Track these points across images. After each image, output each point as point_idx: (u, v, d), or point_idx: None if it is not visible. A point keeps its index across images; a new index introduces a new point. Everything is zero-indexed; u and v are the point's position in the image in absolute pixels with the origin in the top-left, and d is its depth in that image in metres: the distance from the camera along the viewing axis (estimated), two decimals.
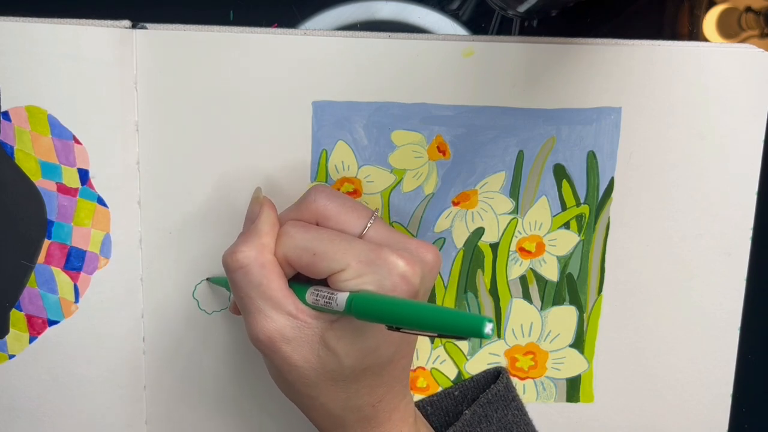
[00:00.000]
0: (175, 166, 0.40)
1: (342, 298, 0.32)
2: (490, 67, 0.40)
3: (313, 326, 0.33)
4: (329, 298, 0.33)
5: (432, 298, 0.43)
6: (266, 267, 0.33)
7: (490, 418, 0.42)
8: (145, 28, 0.39)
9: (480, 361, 0.44)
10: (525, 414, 0.43)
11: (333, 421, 0.35)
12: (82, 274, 0.40)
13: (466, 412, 0.42)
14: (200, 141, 0.40)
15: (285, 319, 0.33)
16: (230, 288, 0.35)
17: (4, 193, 0.39)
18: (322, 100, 0.40)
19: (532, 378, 0.45)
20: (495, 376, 0.44)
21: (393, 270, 0.32)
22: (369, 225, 0.34)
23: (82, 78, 0.38)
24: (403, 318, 0.29)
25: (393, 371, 0.35)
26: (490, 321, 0.27)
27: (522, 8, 0.39)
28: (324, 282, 0.34)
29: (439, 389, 0.44)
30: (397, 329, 0.30)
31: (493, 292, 0.43)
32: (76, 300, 0.40)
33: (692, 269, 0.44)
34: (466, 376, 0.44)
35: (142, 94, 0.39)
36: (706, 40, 0.42)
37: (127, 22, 0.38)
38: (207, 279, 0.41)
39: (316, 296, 0.33)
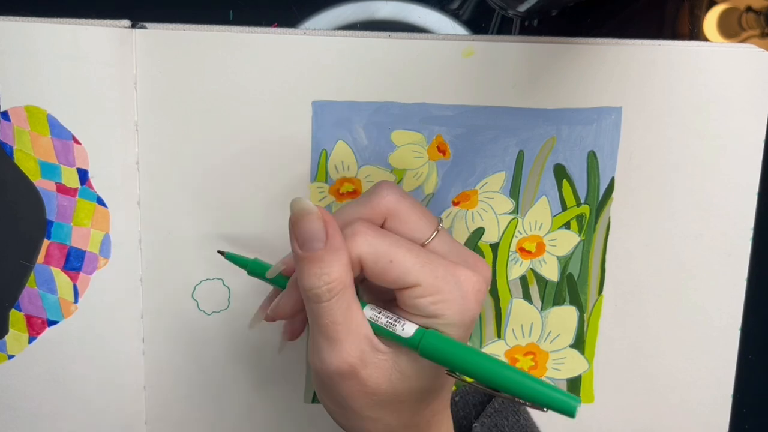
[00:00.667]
0: (175, 166, 0.40)
1: (409, 329, 0.31)
2: (490, 67, 0.40)
3: (387, 352, 0.31)
4: (394, 322, 0.31)
5: None
6: (352, 287, 0.31)
7: (502, 426, 0.42)
8: (145, 28, 0.39)
9: None
10: (531, 419, 0.43)
11: None
12: (82, 275, 0.40)
13: (476, 425, 0.41)
14: (200, 141, 0.40)
15: (365, 342, 0.31)
16: (317, 311, 0.31)
17: (3, 193, 0.39)
18: (322, 100, 0.40)
19: None
20: None
21: (468, 288, 0.31)
22: (435, 234, 0.33)
23: (81, 78, 0.38)
24: (482, 375, 0.28)
25: (450, 387, 0.35)
26: (579, 402, 0.27)
27: (522, 8, 0.39)
28: (383, 295, 0.32)
29: None
30: (461, 379, 0.29)
31: (494, 292, 0.43)
32: (76, 300, 0.40)
33: (692, 269, 0.44)
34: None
35: (142, 94, 0.39)
36: (706, 40, 0.42)
37: (127, 22, 0.38)
38: (220, 252, 0.38)
39: (377, 314, 0.31)
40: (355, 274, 0.32)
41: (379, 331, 0.32)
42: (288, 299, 0.34)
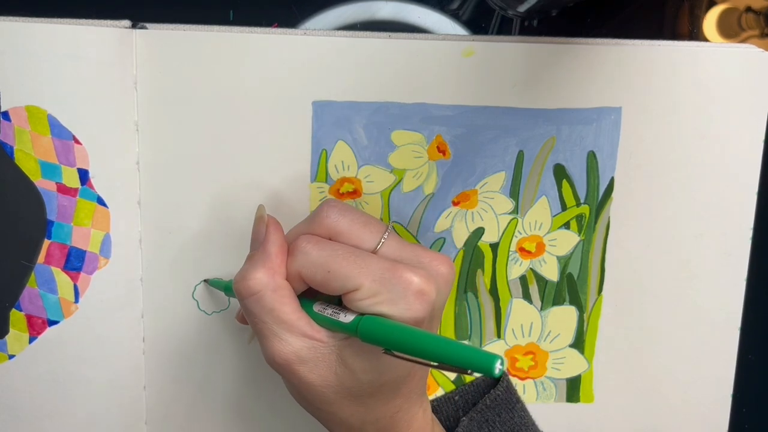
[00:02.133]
0: (175, 166, 0.40)
1: (350, 316, 0.32)
2: (490, 67, 0.40)
3: (329, 345, 0.33)
4: (339, 311, 0.33)
5: None
6: (278, 291, 0.33)
7: (492, 422, 0.42)
8: (145, 28, 0.39)
9: None
10: (530, 416, 0.43)
11: None
12: (82, 274, 0.40)
13: (464, 418, 0.42)
14: (200, 141, 0.40)
15: (300, 341, 0.33)
16: (243, 309, 0.34)
17: (4, 193, 0.39)
18: (322, 100, 0.40)
19: (532, 378, 0.45)
20: (495, 379, 0.44)
21: (408, 288, 0.31)
22: (383, 240, 0.34)
23: (82, 78, 0.38)
24: (410, 347, 0.29)
25: (410, 383, 0.35)
26: (501, 359, 0.27)
27: (522, 8, 0.39)
28: (335, 299, 0.33)
29: (439, 390, 0.44)
30: (397, 356, 0.29)
31: (493, 292, 0.43)
32: (76, 300, 0.40)
33: (692, 269, 0.44)
34: (466, 377, 0.44)
35: (142, 94, 0.39)
36: (706, 40, 0.42)
37: (127, 22, 0.38)
38: (205, 281, 0.41)
39: (324, 308, 0.33)
40: (301, 289, 0.34)
41: (325, 322, 0.33)
42: None
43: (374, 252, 0.34)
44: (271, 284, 0.33)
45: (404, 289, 0.31)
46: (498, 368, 0.27)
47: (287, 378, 0.34)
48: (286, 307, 0.33)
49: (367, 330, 0.31)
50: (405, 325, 0.31)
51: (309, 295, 0.35)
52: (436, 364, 0.29)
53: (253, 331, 0.34)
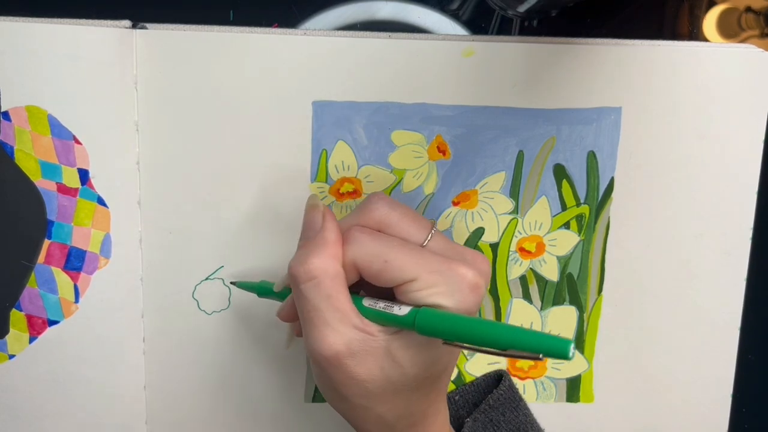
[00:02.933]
0: (175, 166, 0.40)
1: (405, 308, 0.32)
2: (490, 67, 0.40)
3: (378, 339, 0.32)
4: (392, 305, 0.32)
5: None
6: (336, 279, 0.32)
7: (497, 422, 0.42)
8: (145, 28, 0.39)
9: (480, 361, 0.44)
10: (533, 415, 0.43)
11: (384, 430, 0.35)
12: (82, 274, 0.40)
13: (468, 419, 0.42)
14: (200, 141, 0.40)
15: (352, 332, 0.32)
16: (297, 295, 0.33)
17: (4, 193, 0.39)
18: (322, 100, 0.40)
19: (532, 378, 0.45)
20: (496, 379, 0.44)
21: (463, 281, 0.32)
22: (430, 236, 0.34)
23: (82, 78, 0.38)
24: (476, 337, 0.29)
25: (445, 378, 0.35)
26: (572, 343, 0.27)
27: (522, 8, 0.39)
28: (384, 293, 0.33)
29: None
30: (460, 346, 0.30)
31: (493, 292, 0.43)
32: (76, 300, 0.40)
33: (692, 269, 0.44)
34: (466, 376, 0.44)
35: (142, 94, 0.39)
36: (706, 40, 0.42)
37: (127, 22, 0.38)
38: (232, 283, 0.41)
39: (375, 302, 0.33)
40: (353, 280, 0.33)
41: (375, 317, 0.33)
42: (292, 304, 0.36)
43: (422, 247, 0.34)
44: (330, 271, 0.32)
45: (459, 282, 0.32)
46: (572, 352, 0.27)
47: (331, 371, 0.32)
48: (341, 296, 0.32)
49: (426, 321, 0.31)
50: (465, 315, 0.31)
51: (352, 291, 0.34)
52: (504, 351, 0.29)
53: (301, 321, 0.33)
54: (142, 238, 0.41)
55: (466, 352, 0.43)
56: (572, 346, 0.27)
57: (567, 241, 0.43)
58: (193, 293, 0.42)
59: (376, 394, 0.33)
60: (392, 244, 0.32)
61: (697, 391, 0.45)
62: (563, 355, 0.27)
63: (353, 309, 0.32)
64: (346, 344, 0.32)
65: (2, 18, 0.37)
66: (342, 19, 0.40)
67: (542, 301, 0.44)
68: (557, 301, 0.44)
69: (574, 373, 0.45)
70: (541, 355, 0.28)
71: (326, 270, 0.32)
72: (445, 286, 0.32)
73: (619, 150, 0.42)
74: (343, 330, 0.32)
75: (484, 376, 0.44)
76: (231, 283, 0.41)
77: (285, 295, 0.37)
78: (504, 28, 0.41)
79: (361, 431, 0.35)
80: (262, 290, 0.39)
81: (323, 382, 0.34)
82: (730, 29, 0.42)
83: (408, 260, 0.32)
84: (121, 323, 0.41)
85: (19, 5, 0.38)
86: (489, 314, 0.44)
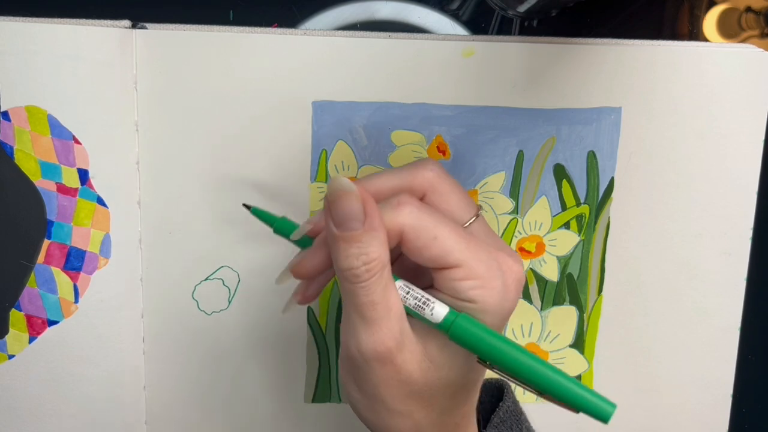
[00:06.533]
0: (175, 166, 0.40)
1: (439, 312, 0.29)
2: (490, 67, 0.40)
3: (418, 334, 0.30)
4: (422, 305, 0.29)
5: None
6: (389, 266, 0.29)
7: None
8: (145, 28, 0.39)
9: None
10: (533, 428, 0.43)
11: None
12: (82, 274, 0.40)
13: None
14: (200, 141, 0.40)
15: (401, 326, 0.29)
16: (354, 291, 0.29)
17: (4, 193, 0.39)
18: (322, 100, 0.40)
19: None
20: (496, 388, 0.42)
21: (510, 275, 0.29)
22: (474, 219, 0.31)
23: (81, 78, 0.38)
24: (516, 369, 0.27)
25: (479, 386, 0.33)
26: (615, 409, 0.26)
27: (522, 8, 0.39)
28: (419, 274, 0.31)
29: None
30: (493, 369, 0.27)
31: None
32: (76, 300, 0.40)
33: (692, 269, 0.44)
34: None
35: (142, 94, 0.39)
36: (706, 40, 0.42)
37: (127, 22, 0.38)
38: (248, 206, 0.35)
39: (406, 294, 0.30)
40: (391, 246, 0.30)
41: (408, 313, 0.30)
42: (312, 259, 0.32)
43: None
44: (386, 260, 0.29)
45: (507, 276, 0.29)
46: (611, 417, 0.25)
47: (379, 369, 0.29)
48: (392, 284, 0.29)
49: (464, 334, 0.28)
50: (505, 337, 0.28)
51: None
52: (541, 393, 0.27)
53: (350, 315, 0.30)
54: (142, 238, 0.41)
55: None
56: (614, 410, 0.25)
57: (567, 241, 0.43)
58: (192, 293, 0.42)
59: (414, 398, 0.30)
60: (444, 221, 0.29)
61: (697, 391, 0.45)
62: (602, 420, 0.25)
63: (399, 296, 0.29)
64: (396, 338, 0.29)
65: (2, 18, 0.37)
66: (342, 19, 0.40)
67: (542, 301, 0.44)
68: (557, 301, 0.44)
69: (574, 373, 0.45)
70: (578, 412, 0.26)
71: (383, 261, 0.29)
72: (491, 280, 0.29)
73: (619, 150, 0.42)
74: (394, 322, 0.29)
75: (484, 384, 0.41)
76: (246, 206, 0.35)
77: (299, 242, 0.33)
78: (504, 28, 0.41)
79: None
80: (281, 226, 0.33)
81: (362, 384, 0.31)
82: (730, 29, 0.42)
83: (457, 242, 0.29)
84: (121, 323, 0.41)
85: (19, 5, 0.38)
86: None
